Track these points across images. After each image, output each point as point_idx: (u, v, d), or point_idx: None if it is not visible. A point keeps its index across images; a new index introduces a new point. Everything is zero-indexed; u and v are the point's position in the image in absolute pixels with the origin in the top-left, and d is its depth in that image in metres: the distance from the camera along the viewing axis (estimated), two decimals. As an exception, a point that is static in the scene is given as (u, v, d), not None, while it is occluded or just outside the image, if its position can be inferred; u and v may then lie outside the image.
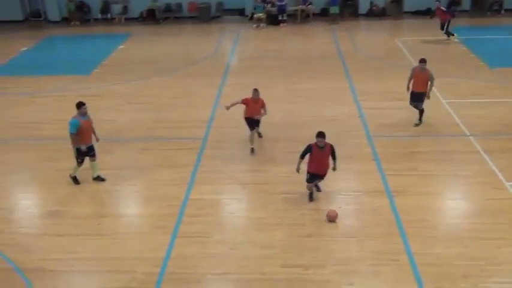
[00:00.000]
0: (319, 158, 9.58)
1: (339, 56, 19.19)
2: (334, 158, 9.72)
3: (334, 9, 24.37)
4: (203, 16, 25.43)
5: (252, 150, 11.89)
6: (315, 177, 9.78)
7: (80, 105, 10.31)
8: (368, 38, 22.01)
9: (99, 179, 10.93)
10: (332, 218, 9.32)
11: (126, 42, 22.11)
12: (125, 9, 25.98)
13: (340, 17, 24.91)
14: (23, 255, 8.73)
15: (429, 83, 12.56)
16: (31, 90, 16.47)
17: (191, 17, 25.88)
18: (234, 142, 12.51)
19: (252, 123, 11.90)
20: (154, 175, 11.13)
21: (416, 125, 12.86)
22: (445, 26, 20.41)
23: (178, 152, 12.05)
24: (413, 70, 12.84)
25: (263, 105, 11.93)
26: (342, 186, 10.54)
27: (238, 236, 9.11)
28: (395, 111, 13.87)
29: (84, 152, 10.50)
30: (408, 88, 12.87)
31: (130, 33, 23.50)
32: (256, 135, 12.17)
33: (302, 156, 9.66)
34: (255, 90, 11.77)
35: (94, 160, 10.79)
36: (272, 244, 8.80)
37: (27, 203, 10.48)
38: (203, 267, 8.38)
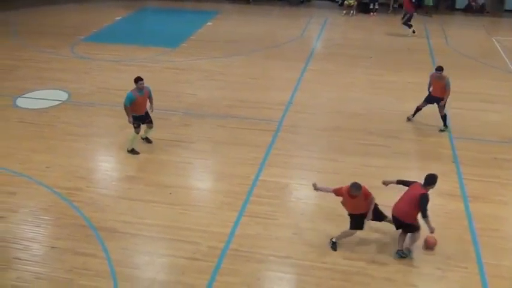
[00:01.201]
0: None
1: (428, 50, 18.45)
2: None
3: (428, 1, 23.39)
4: (293, -1, 25.35)
5: None
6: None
7: (137, 80, 10.72)
8: (462, 34, 20.93)
9: (147, 140, 11.50)
10: (431, 246, 8.34)
11: (214, 20, 22.46)
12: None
13: (435, 9, 23.90)
14: (98, 215, 9.23)
15: (446, 90, 11.86)
16: (118, 58, 17.18)
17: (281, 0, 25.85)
18: (310, 128, 12.43)
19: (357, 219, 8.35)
20: (228, 152, 11.31)
21: (442, 130, 12.16)
22: (405, 18, 19.86)
23: (254, 132, 12.16)
24: (431, 77, 12.21)
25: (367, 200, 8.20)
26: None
27: (303, 223, 9.09)
28: (482, 114, 13.19)
29: (140, 117, 10.98)
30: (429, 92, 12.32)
31: (219, 11, 23.84)
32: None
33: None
34: (355, 188, 7.91)
35: (151, 127, 11.33)
36: (333, 235, 8.69)
37: (107, 166, 11.02)
38: (266, 247, 8.46)
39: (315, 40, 19.95)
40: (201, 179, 10.63)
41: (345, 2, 23.70)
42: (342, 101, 14.01)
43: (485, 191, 9.92)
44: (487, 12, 23.97)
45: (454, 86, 15.08)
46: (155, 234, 8.80)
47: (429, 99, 12.31)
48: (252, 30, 20.99)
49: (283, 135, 12.07)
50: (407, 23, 19.99)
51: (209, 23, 21.88)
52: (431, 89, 12.31)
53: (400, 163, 10.87)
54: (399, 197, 8.23)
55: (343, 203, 8.30)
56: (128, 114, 10.84)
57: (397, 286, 7.71)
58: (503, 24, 23.15)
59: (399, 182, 8.39)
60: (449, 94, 11.96)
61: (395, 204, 8.21)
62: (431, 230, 7.78)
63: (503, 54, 17.87)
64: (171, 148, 11.44)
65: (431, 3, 23.46)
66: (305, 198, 9.84)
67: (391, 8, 24.02)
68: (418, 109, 12.55)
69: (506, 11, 24.29)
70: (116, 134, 12.01)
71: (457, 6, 24.50)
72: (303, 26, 21.54)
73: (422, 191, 7.89)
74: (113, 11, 23.63)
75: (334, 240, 8.45)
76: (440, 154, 11.29)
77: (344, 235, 8.40)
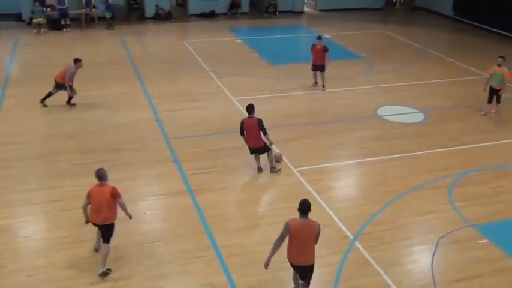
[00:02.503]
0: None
1: (129, 60, 18.91)
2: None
3: (108, 14, 23.49)
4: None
5: None
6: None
7: None
8: (157, 41, 22.11)
9: None
10: (279, 158, 11.29)
11: None
12: None
13: (124, 21, 24.62)
14: None
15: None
16: None
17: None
18: (21, 159, 11.46)
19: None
20: None
21: None
22: None
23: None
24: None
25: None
26: (144, 191, 10.44)
27: (37, 260, 8.38)
28: (192, 112, 14.23)
29: None
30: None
31: None
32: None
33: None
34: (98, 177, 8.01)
35: None
36: (75, 263, 8.30)
37: None
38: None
39: (8, 64, 18.37)
40: None
41: (33, 20, 22.40)
42: (53, 123, 13.33)
43: (207, 182, 10.75)
44: (174, 19, 25.81)
45: (159, 91, 15.93)
46: None
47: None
48: None
49: (-8, 173, 10.84)
50: None
51: None
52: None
53: (124, 174, 10.90)
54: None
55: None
56: None
57: (147, 294, 7.79)
58: (190, 28, 25.28)
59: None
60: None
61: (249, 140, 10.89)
62: (271, 144, 10.98)
63: (196, 56, 19.54)
64: None
65: (109, 16, 23.46)
66: (32, 234, 9.08)
67: (83, 22, 23.70)
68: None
69: (191, 15, 26.59)
70: None
71: (147, 15, 25.66)
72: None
73: (256, 119, 10.79)
74: None
75: (104, 270, 8.00)
76: (161, 157, 11.76)
77: (105, 254, 8.02)
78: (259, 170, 11.13)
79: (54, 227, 9.23)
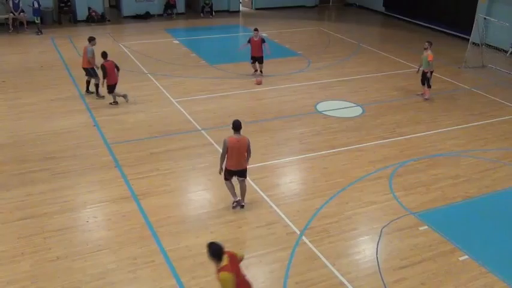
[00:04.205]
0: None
1: (63, 64, 18.29)
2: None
3: (37, 19, 22.54)
4: None
5: None
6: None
7: None
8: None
9: None
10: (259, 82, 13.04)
11: None
12: None
13: (56, 24, 23.82)
14: None
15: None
16: None
17: None
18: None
19: None
20: None
21: None
22: None
23: None
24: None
25: None
26: (86, 199, 10.11)
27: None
28: (131, 115, 13.95)
29: None
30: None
31: None
32: None
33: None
34: None
35: None
36: (18, 277, 7.94)
37: None
38: None
39: None
40: None
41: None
42: (-17, 134, 12.69)
43: (150, 185, 10.57)
44: (108, 21, 25.21)
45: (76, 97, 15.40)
46: None
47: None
48: None
49: None
50: None
51: None
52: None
53: (64, 183, 10.56)
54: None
55: None
56: None
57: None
58: (125, 30, 24.75)
59: None
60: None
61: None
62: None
63: (133, 58, 19.17)
64: None
65: (38, 21, 22.51)
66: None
67: (11, 27, 22.65)
68: None
69: (125, 17, 26.04)
70: None
71: (79, 18, 24.90)
72: None
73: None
74: None
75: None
76: (101, 162, 11.44)
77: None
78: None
79: (-10, 242, 8.81)
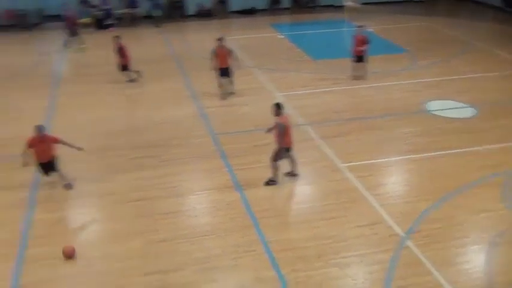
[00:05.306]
0: None
1: (173, 57, 19.14)
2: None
3: (157, 13, 23.98)
4: (23, 23, 23.48)
5: None
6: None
7: None
8: (200, 39, 22.23)
9: None
10: (70, 254, 8.34)
11: None
12: None
13: (166, 19, 24.91)
14: None
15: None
16: None
17: (11, 26, 23.72)
18: (75, 156, 11.77)
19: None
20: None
21: None
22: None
23: (13, 172, 10.97)
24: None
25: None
26: (193, 186, 10.55)
27: (94, 252, 8.61)
28: (237, 108, 14.30)
29: None
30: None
31: None
32: None
33: None
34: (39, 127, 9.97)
35: None
36: (128, 255, 8.49)
37: None
38: (56, 290, 7.77)
39: (60, 63, 18.88)
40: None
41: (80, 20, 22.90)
42: (102, 121, 13.62)
43: (253, 177, 10.77)
44: (215, 15, 25.95)
45: (204, 87, 16.03)
46: None
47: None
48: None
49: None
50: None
51: None
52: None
53: (171, 170, 11.09)
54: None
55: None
56: None
57: (198, 287, 7.87)
58: (231, 24, 25.34)
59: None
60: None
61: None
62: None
63: (240, 52, 19.56)
64: None
65: (159, 15, 23.92)
66: (89, 225, 9.37)
67: (127, 21, 24.06)
68: None
69: (231, 12, 26.66)
70: None
71: (188, 13, 25.87)
72: (46, 50, 20.20)
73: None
74: None
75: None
76: (206, 152, 11.85)
77: None
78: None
79: (108, 218, 9.48)
